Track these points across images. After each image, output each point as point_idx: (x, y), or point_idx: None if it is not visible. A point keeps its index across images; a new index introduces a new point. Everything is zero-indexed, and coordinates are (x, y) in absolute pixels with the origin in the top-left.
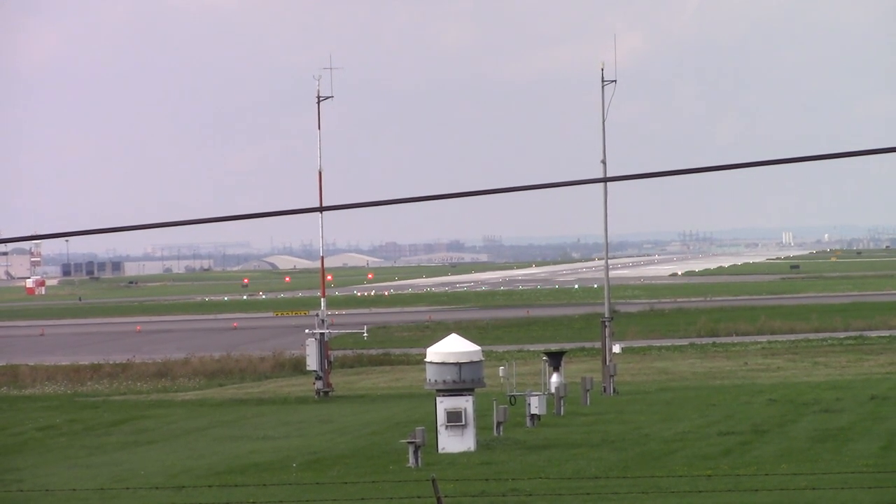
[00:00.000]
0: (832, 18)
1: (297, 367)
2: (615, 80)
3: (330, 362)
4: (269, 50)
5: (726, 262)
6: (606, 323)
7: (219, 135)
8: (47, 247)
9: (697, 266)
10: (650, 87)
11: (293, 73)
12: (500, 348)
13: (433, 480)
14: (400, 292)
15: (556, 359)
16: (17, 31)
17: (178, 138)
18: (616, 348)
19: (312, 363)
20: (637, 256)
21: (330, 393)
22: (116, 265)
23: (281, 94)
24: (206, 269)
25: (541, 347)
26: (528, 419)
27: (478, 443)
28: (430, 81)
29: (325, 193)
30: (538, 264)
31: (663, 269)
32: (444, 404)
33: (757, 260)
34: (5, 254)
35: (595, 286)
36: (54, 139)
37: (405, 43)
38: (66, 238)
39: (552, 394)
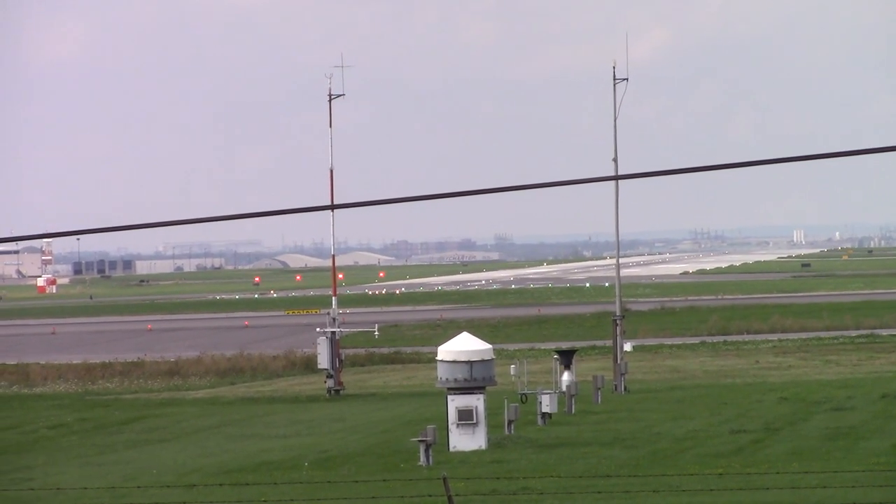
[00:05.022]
0: (844, 17)
1: (309, 365)
2: (626, 79)
3: (341, 361)
4: (285, 48)
5: (737, 261)
6: (618, 321)
7: (230, 133)
8: (58, 245)
9: (709, 264)
10: (672, 85)
11: (308, 71)
12: (512, 346)
13: (444, 479)
14: (411, 291)
15: (567, 357)
16: (29, 29)
17: (189, 136)
18: (627, 346)
19: (324, 361)
20: (648, 255)
21: (341, 391)
22: (127, 263)
23: (295, 92)
24: (217, 268)
25: (552, 346)
26: (539, 417)
27: (489, 441)
28: (445, 80)
29: (336, 191)
30: (549, 263)
31: (674, 268)
32: (455, 402)
33: (768, 258)
34: (16, 252)
35: (606, 284)
36: (65, 137)
37: (422, 41)
38: (77, 236)
39: (563, 392)
